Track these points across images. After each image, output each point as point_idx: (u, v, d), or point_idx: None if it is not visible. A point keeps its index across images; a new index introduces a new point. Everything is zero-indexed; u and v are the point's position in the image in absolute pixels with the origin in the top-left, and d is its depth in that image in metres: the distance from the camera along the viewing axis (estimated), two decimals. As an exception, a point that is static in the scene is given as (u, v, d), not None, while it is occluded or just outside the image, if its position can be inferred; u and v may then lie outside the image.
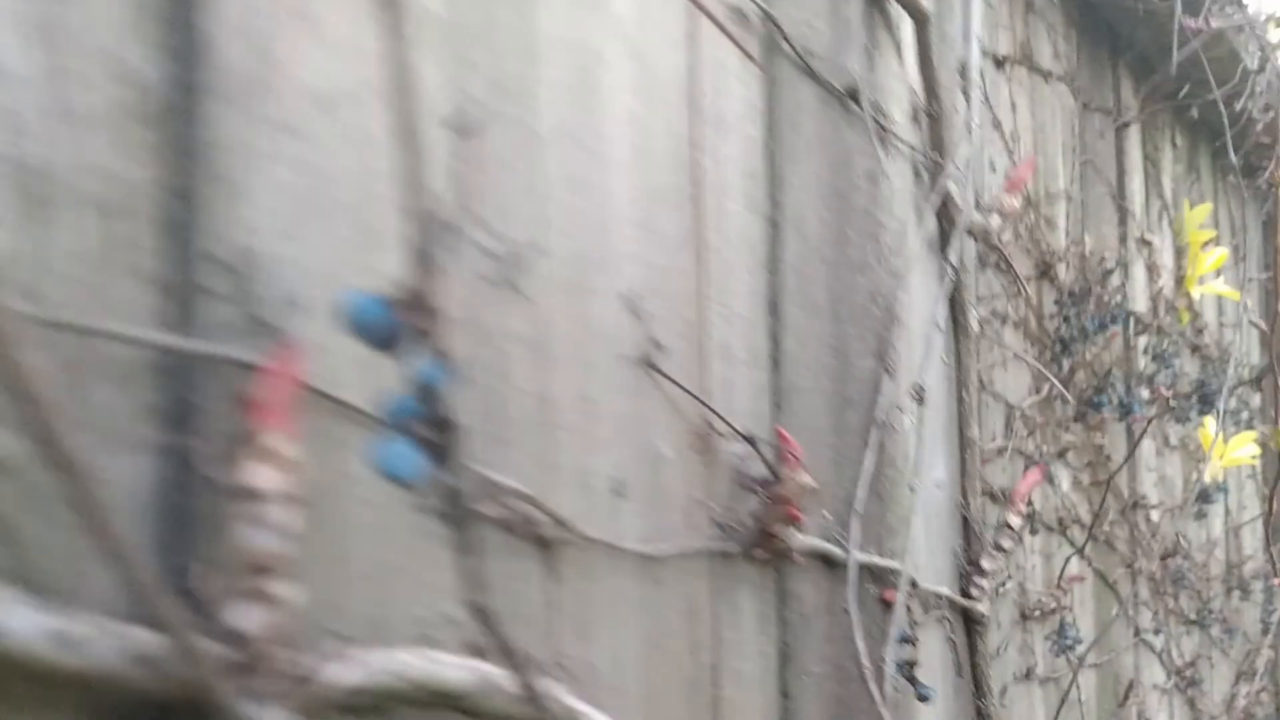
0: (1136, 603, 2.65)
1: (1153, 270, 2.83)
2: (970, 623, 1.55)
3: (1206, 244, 2.88)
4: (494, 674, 0.71)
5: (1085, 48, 2.47)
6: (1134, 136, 2.76)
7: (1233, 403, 3.32)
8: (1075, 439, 2.26)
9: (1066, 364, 2.24)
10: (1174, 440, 2.98)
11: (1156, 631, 2.68)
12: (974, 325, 1.47)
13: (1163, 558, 2.85)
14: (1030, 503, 2.04)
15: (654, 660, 0.95)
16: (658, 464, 1.00)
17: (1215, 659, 3.20)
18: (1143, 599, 2.67)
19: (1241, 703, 3.39)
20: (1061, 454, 2.25)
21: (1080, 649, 2.19)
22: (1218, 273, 3.33)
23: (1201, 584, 3.03)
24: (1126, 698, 2.57)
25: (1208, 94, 2.75)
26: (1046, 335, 2.18)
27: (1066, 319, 2.19)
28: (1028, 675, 2.08)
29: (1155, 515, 2.75)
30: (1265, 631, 3.55)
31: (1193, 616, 3.00)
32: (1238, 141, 3.06)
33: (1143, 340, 2.69)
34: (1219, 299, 3.43)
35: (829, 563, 1.24)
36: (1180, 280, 2.95)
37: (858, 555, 1.24)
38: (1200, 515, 3.04)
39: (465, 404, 0.58)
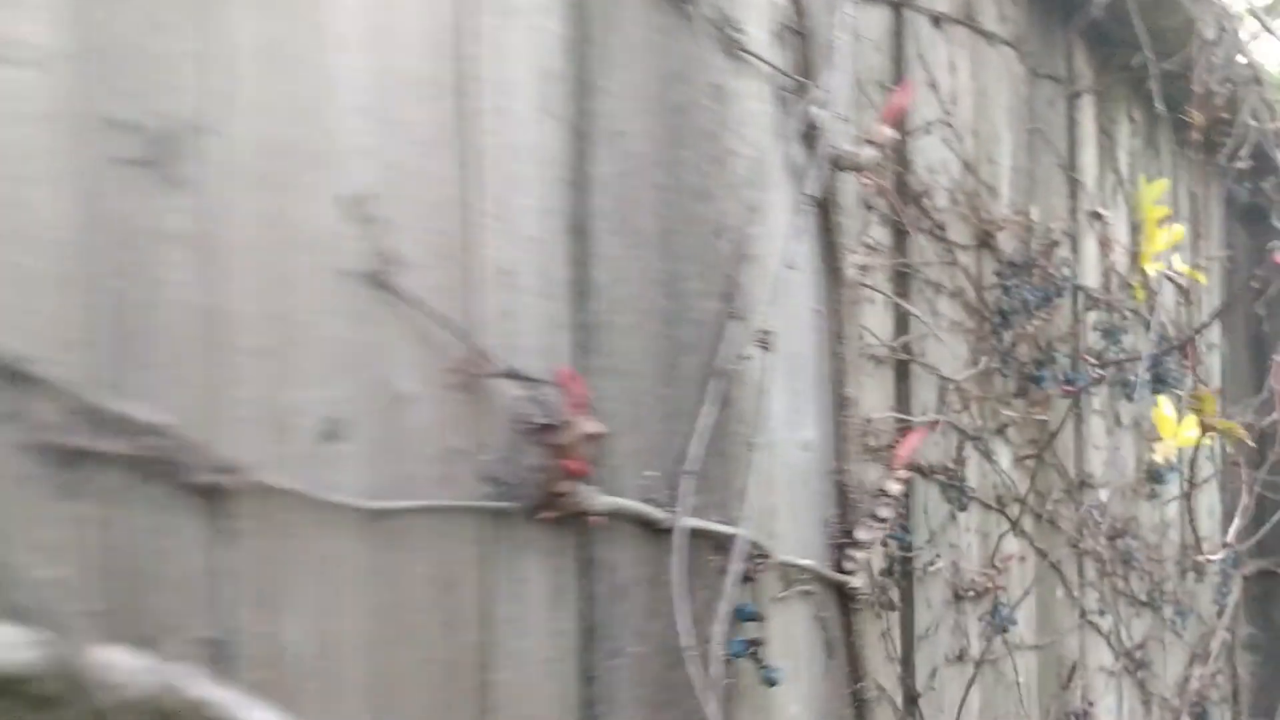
0: (1083, 584, 2.53)
1: (1105, 245, 2.70)
2: (844, 599, 1.40)
3: (1163, 220, 2.76)
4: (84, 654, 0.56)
5: (1035, 12, 2.33)
6: (1087, 108, 2.63)
7: (1189, 381, 3.20)
8: (1016, 414, 2.14)
9: (1008, 336, 2.11)
10: (1126, 419, 2.86)
11: (1103, 613, 2.55)
12: (850, 272, 1.30)
13: (1111, 538, 2.73)
14: (959, 475, 1.92)
15: (388, 640, 0.81)
16: (396, 403, 0.84)
17: (1168, 641, 3.09)
18: (1089, 580, 2.55)
19: (1195, 685, 3.28)
20: (1001, 430, 2.13)
21: (1016, 630, 2.07)
22: (1175, 250, 3.22)
23: (1153, 565, 2.91)
24: (1070, 680, 2.45)
25: (1163, 64, 2.62)
26: (985, 307, 2.05)
27: (1007, 290, 2.06)
28: (960, 657, 1.96)
29: (1104, 494, 2.63)
30: (1220, 613, 3.44)
31: (1143, 598, 2.88)
32: (1195, 114, 2.93)
33: (1092, 316, 2.57)
34: (1192, 283, 3.30)
35: (653, 528, 1.06)
36: (1135, 256, 2.82)
37: (687, 520, 1.08)
38: (1152, 495, 2.92)
39: (69, 312, 0.44)
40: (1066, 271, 2.41)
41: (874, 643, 1.73)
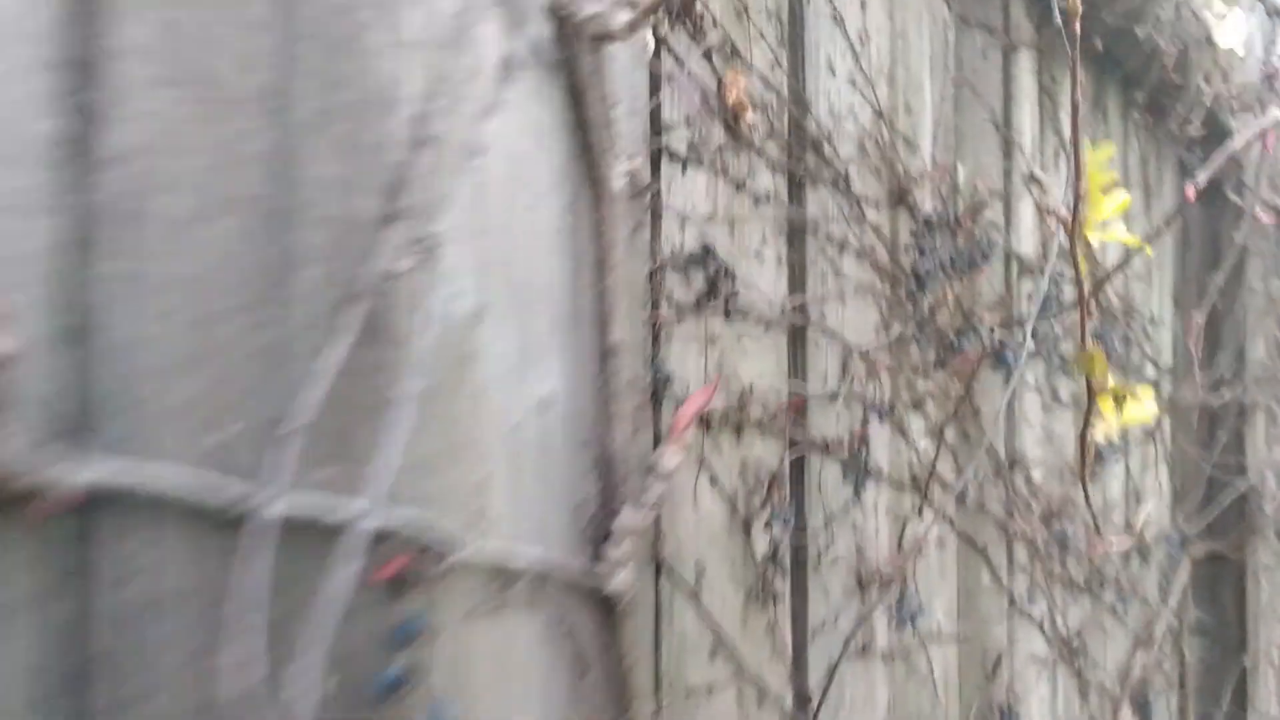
0: (1013, 569, 2.31)
1: (1044, 211, 2.47)
2: (603, 604, 1.04)
3: (1109, 188, 2.52)
4: None
5: (965, -45, 2.09)
6: (1026, 63, 2.38)
7: (1134, 357, 2.98)
8: (934, 387, 1.91)
9: (926, 302, 1.88)
10: (1065, 396, 2.63)
11: (1034, 600, 2.33)
12: (617, 185, 1.00)
13: (1046, 520, 2.50)
14: (863, 452, 1.69)
15: None
16: None
17: (1109, 627, 2.87)
18: (1021, 565, 2.33)
19: (1137, 672, 3.06)
20: (918, 404, 1.90)
21: (933, 620, 1.84)
22: (1122, 219, 2.98)
23: (1093, 549, 2.69)
24: (995, 672, 2.23)
25: (1107, 20, 2.39)
26: (900, 269, 1.81)
27: (923, 251, 1.82)
28: (864, 651, 1.73)
29: (1038, 474, 2.40)
30: (1165, 598, 3.22)
31: (1082, 583, 2.66)
32: (1143, 76, 2.70)
33: (1027, 285, 2.33)
34: (1125, 248, 3.07)
35: (218, 515, 0.71)
36: (1079, 226, 2.57)
37: (274, 503, 0.72)
38: (1092, 476, 2.69)
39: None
40: (996, 235, 2.17)
41: (757, 639, 1.50)
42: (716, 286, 1.36)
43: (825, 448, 1.60)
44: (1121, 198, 2.49)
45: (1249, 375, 3.43)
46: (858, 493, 1.64)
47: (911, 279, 1.81)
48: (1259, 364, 3.46)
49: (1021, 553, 2.32)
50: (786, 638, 1.55)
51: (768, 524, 1.46)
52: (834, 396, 1.64)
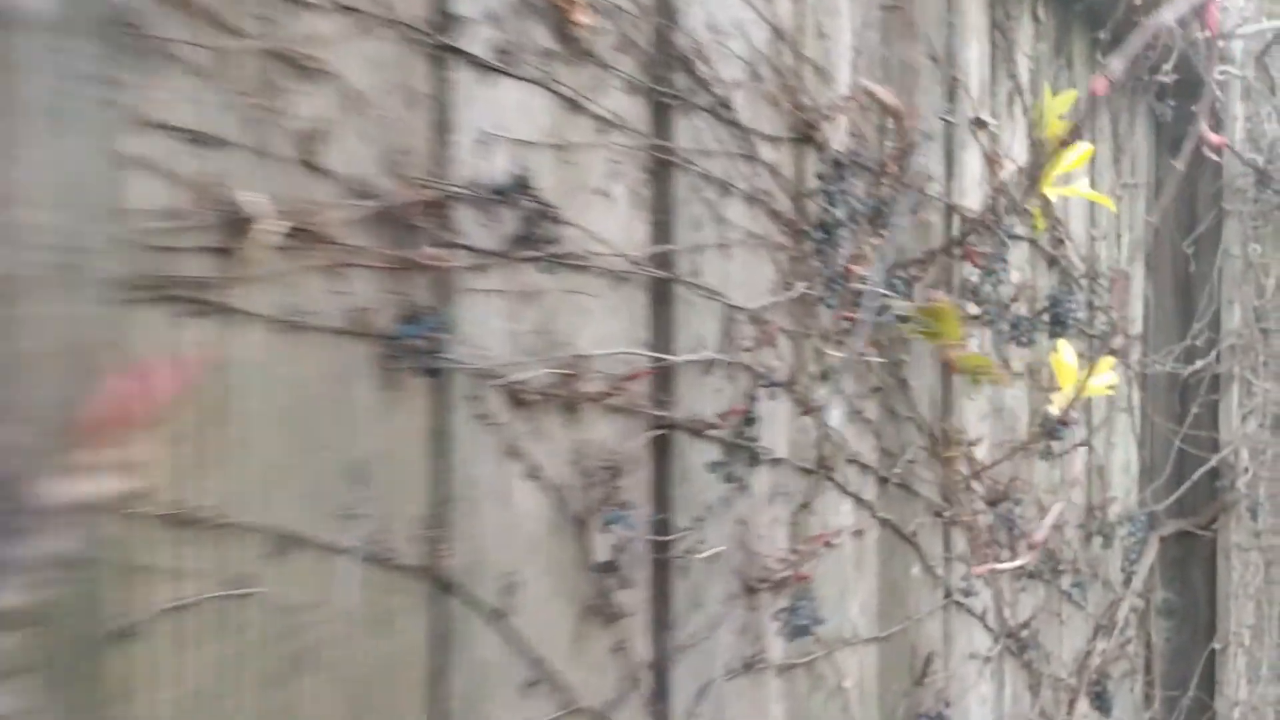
0: (949, 558, 2.00)
1: (993, 161, 2.14)
2: None
3: (1069, 138, 2.19)
4: None
5: None
6: (974, -5, 2.05)
7: (1099, 322, 2.65)
8: (846, 355, 1.59)
9: (838, 257, 1.56)
10: (1017, 365, 2.31)
11: (968, 593, 2.02)
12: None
13: (992, 503, 2.19)
14: (750, 430, 1.37)
15: None
16: None
17: (1066, 615, 2.56)
18: (959, 554, 2.01)
19: (1096, 661, 2.76)
20: (826, 375, 1.58)
21: (840, 622, 1.53)
22: (1085, 174, 2.66)
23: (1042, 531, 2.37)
24: (925, 674, 1.92)
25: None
26: (803, 218, 1.49)
27: (830, 197, 1.50)
28: (750, 665, 1.42)
29: (980, 453, 2.08)
30: (1128, 580, 2.91)
31: (1032, 569, 2.35)
32: (1109, 14, 2.36)
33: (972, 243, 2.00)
34: (1091, 207, 2.74)
35: None
36: (1033, 178, 2.25)
37: None
38: (1046, 454, 2.38)
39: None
40: (932, 185, 1.85)
41: (597, 663, 1.19)
42: (533, 229, 1.04)
43: (698, 428, 1.28)
44: (1083, 149, 2.14)
45: (1223, 344, 3.11)
46: (735, 480, 1.33)
47: (817, 230, 1.48)
48: (1234, 333, 3.13)
49: (960, 540, 2.01)
50: (641, 659, 1.24)
51: (610, 522, 1.15)
52: (709, 366, 1.32)
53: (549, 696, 1.11)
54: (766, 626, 1.44)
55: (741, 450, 1.37)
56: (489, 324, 1.02)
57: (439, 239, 0.96)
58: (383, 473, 0.93)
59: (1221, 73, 2.80)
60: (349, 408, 0.90)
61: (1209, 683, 3.33)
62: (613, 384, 1.13)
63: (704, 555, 1.32)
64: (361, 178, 0.92)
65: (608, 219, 1.18)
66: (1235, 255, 3.14)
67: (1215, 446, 3.13)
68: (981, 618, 2.11)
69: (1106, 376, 2.25)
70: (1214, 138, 1.90)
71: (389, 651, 0.95)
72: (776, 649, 1.48)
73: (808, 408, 1.53)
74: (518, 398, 1.05)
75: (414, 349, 0.92)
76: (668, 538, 1.27)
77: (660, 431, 1.25)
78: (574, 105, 1.12)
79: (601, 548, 1.16)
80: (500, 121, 1.04)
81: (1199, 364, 3.06)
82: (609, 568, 1.15)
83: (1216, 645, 3.30)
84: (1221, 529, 3.26)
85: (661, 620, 1.28)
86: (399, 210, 0.92)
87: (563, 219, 1.09)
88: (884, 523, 1.75)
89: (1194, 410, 3.09)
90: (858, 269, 1.57)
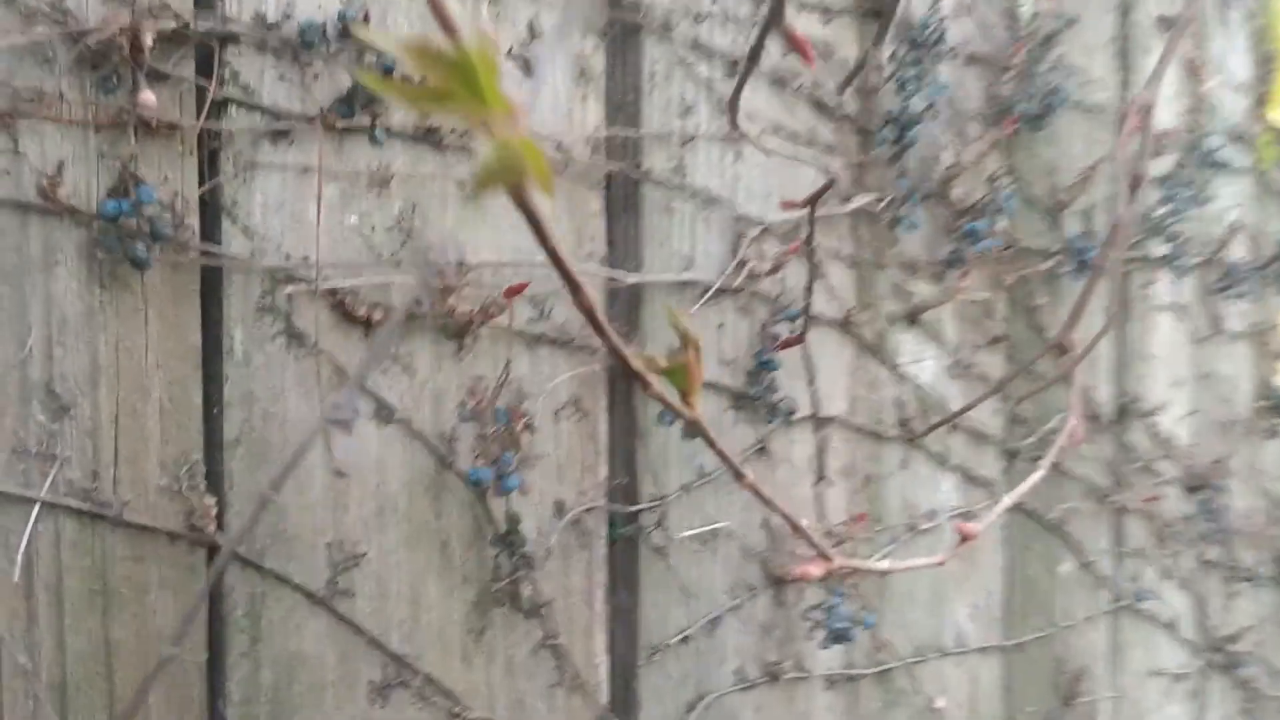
0: (1120, 554, 1.53)
1: (1194, 69, 1.62)
2: None
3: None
4: None
5: None
6: None
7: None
8: (940, 293, 1.18)
9: (929, 167, 1.15)
10: (1237, 324, 1.77)
11: (1145, 597, 1.53)
12: None
13: (1192, 489, 1.68)
14: (766, 380, 1.00)
15: None
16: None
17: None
18: (1134, 548, 1.54)
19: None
20: (913, 317, 1.18)
21: (939, 626, 1.13)
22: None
23: (1271, 525, 1.82)
24: (1075, 692, 1.47)
25: None
26: (870, 112, 1.09)
27: (906, 86, 1.09)
28: (775, 676, 1.06)
29: (1177, 426, 1.59)
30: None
31: (1247, 569, 1.81)
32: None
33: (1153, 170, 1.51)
34: None
35: None
36: (1261, 99, 1.70)
37: None
38: (1274, 433, 1.82)
39: None
40: (1062, 80, 1.38)
41: (504, 669, 0.87)
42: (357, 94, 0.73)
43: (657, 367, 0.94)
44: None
45: None
46: (695, 436, 0.97)
47: (886, 126, 1.08)
48: None
49: (1139, 530, 1.53)
50: (589, 660, 0.92)
51: (498, 478, 0.82)
52: (702, 293, 0.96)
53: (418, 704, 0.81)
54: (809, 627, 1.07)
55: (750, 403, 1.01)
56: (280, 213, 0.73)
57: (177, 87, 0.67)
58: (104, 401, 0.66)
59: None
60: (43, 307, 0.64)
61: None
62: (494, 303, 0.80)
63: (691, 534, 0.97)
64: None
65: (535, 95, 0.85)
66: None
67: None
68: (1170, 626, 1.62)
69: (1360, 339, 1.68)
70: None
71: (124, 638, 0.68)
72: (825, 656, 1.11)
73: (882, 357, 1.14)
74: (349, 312, 0.75)
75: (132, 232, 0.63)
76: (634, 508, 0.93)
77: (598, 370, 0.91)
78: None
79: (530, 527, 0.84)
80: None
81: None
82: (512, 543, 0.83)
83: None
84: None
85: (627, 624, 0.95)
86: (113, 42, 0.63)
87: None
88: (1021, 510, 1.32)
89: None
90: (955, 183, 1.16)
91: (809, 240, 0.95)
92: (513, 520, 0.82)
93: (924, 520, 1.21)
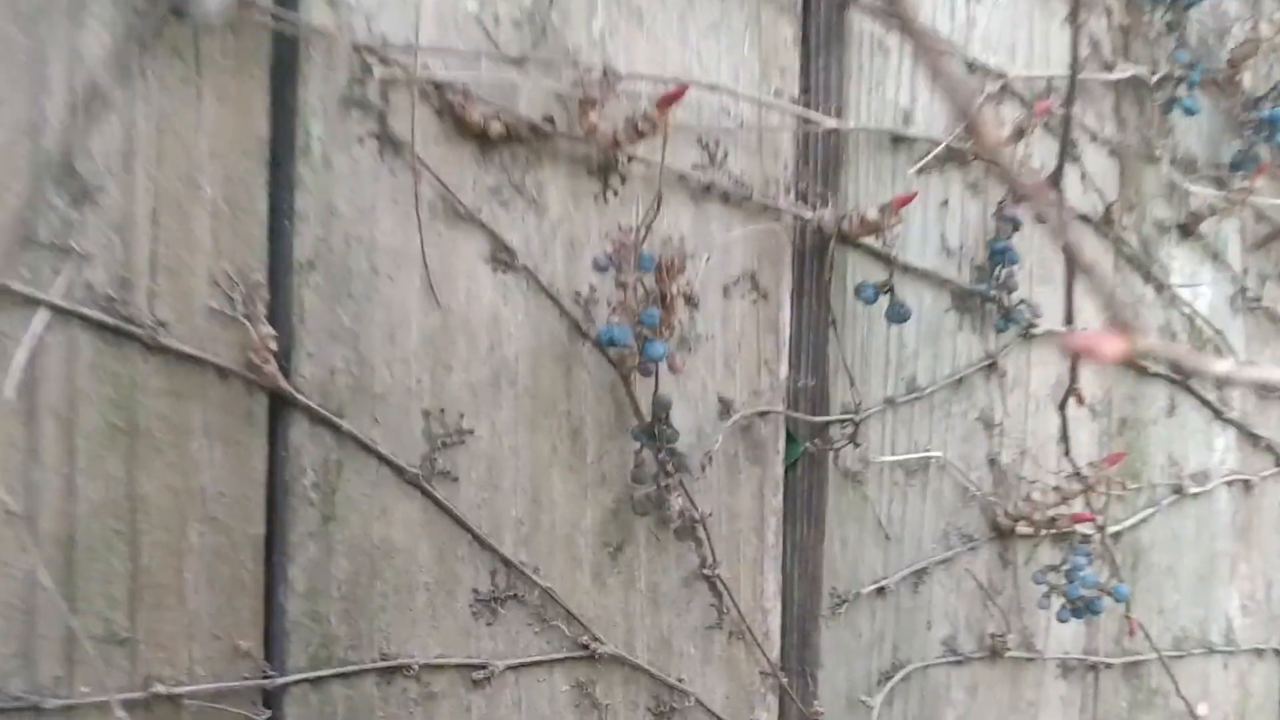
0: None
1: None
2: None
3: None
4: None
5: None
6: None
7: None
8: (1226, 199, 0.88)
9: (1225, 46, 0.86)
10: None
11: None
12: None
13: None
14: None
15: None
16: None
17: None
18: None
19: None
20: (1184, 229, 0.89)
21: (1172, 612, 0.84)
22: None
23: None
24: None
25: None
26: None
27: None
28: (994, 653, 0.80)
29: None
30: None
31: None
32: None
33: None
34: None
35: None
36: None
37: None
38: None
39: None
40: None
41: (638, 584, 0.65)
42: None
43: (859, 231, 0.69)
44: None
45: None
46: (902, 317, 0.72)
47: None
48: None
49: None
50: (767, 605, 0.69)
51: (640, 343, 0.60)
52: (926, 155, 0.72)
53: (535, 626, 0.60)
54: (1038, 596, 0.80)
55: (978, 304, 0.75)
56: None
57: None
58: (140, 191, 0.49)
59: None
60: (65, 65, 0.47)
61: None
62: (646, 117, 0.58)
63: (894, 459, 0.73)
64: None
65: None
66: None
67: None
68: None
69: None
70: None
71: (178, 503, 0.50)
72: (1060, 634, 0.83)
73: (1147, 272, 0.85)
74: (460, 118, 0.55)
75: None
76: (822, 418, 0.70)
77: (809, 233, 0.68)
78: None
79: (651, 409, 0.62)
80: None
81: None
82: (660, 437, 0.61)
83: None
84: None
85: (807, 551, 0.71)
86: None
87: None
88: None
89: None
90: (1248, 64, 0.86)
91: (1067, 103, 0.69)
92: (661, 406, 0.60)
93: (1192, 482, 0.91)
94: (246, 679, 0.52)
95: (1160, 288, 0.87)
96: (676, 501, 0.62)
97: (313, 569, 0.54)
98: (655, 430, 0.60)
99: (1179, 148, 0.86)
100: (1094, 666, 0.86)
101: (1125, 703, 0.90)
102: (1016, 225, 0.74)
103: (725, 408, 0.66)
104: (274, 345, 0.51)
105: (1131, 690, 0.90)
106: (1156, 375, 0.88)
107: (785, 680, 0.70)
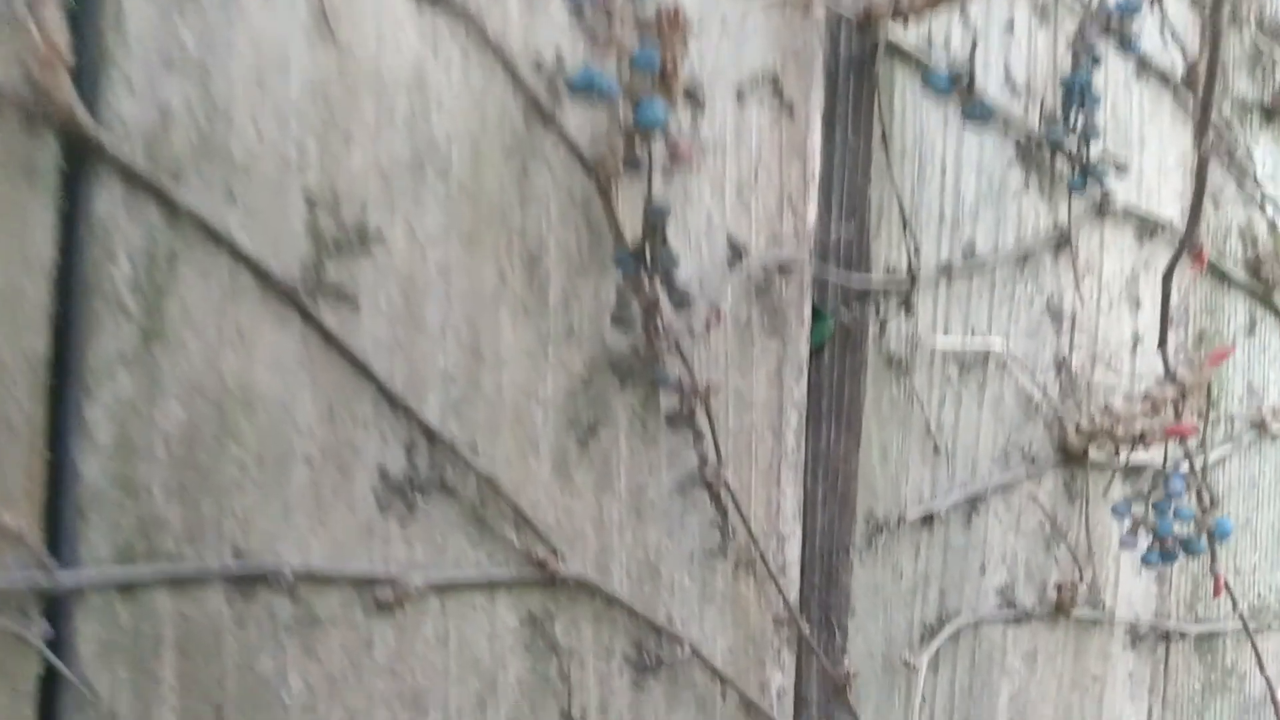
0: None
1: None
2: None
3: None
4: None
5: None
6: None
7: None
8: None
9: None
10: None
11: None
12: None
13: None
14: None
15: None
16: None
17: None
18: None
19: None
20: (1275, 111, 0.72)
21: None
22: None
23: None
24: None
25: None
26: None
27: None
28: (1059, 609, 0.61)
29: None
30: None
31: None
32: None
33: None
34: None
35: None
36: None
37: None
38: None
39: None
40: None
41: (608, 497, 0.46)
42: None
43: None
44: None
45: None
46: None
47: None
48: None
49: None
50: (784, 529, 0.50)
51: (630, 102, 0.41)
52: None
53: (469, 525, 0.41)
54: (1111, 532, 0.61)
55: (1047, 154, 0.57)
56: None
57: None
58: None
59: None
60: None
61: None
62: None
63: (948, 343, 0.54)
64: None
65: None
66: None
67: None
68: None
69: None
70: None
71: None
72: (1131, 592, 0.65)
73: (1229, 159, 0.68)
74: None
75: None
76: (861, 279, 0.51)
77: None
78: None
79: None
80: None
81: None
82: (651, 266, 0.42)
83: None
84: None
85: (837, 461, 0.52)
86: None
87: None
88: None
89: None
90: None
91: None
92: (658, 214, 0.41)
93: (1274, 418, 0.73)
94: (14, 575, 0.32)
95: (1244, 177, 0.69)
96: (674, 369, 0.43)
97: (126, 413, 0.34)
98: (648, 250, 0.40)
99: (1267, 9, 0.69)
100: (1166, 635, 0.67)
101: (1199, 683, 0.71)
102: (1097, 59, 0.56)
103: (736, 253, 0.47)
104: (70, 58, 0.31)
105: (1205, 669, 0.71)
106: (1239, 286, 0.70)
107: (806, 630, 0.50)
